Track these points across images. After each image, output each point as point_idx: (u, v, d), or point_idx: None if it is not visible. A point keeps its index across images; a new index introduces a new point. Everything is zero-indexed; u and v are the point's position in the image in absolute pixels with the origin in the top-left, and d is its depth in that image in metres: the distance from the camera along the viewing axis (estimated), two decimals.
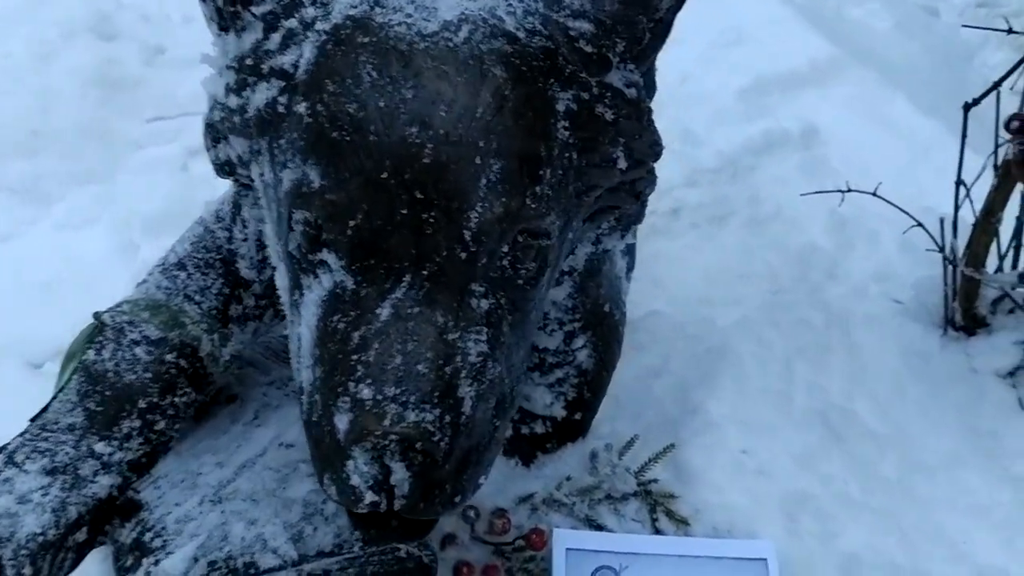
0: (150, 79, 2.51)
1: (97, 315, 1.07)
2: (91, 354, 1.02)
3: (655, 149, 0.93)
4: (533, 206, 0.80)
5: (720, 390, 1.46)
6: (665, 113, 2.76)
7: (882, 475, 1.35)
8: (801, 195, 1.70)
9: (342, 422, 0.76)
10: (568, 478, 1.25)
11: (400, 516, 0.81)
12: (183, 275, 1.09)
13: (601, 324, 1.21)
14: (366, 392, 0.75)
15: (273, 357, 1.20)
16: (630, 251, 1.55)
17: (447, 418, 0.75)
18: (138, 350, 1.02)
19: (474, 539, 1.19)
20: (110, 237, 2.13)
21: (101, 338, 1.03)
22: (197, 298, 1.08)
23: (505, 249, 0.81)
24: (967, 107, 1.43)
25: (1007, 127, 1.24)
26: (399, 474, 0.75)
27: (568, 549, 1.15)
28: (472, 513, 1.18)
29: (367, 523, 0.82)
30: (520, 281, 0.83)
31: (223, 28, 0.90)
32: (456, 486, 0.78)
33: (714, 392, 1.46)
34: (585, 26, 0.84)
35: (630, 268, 1.57)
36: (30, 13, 2.65)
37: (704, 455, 1.33)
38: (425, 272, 0.78)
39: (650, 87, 0.99)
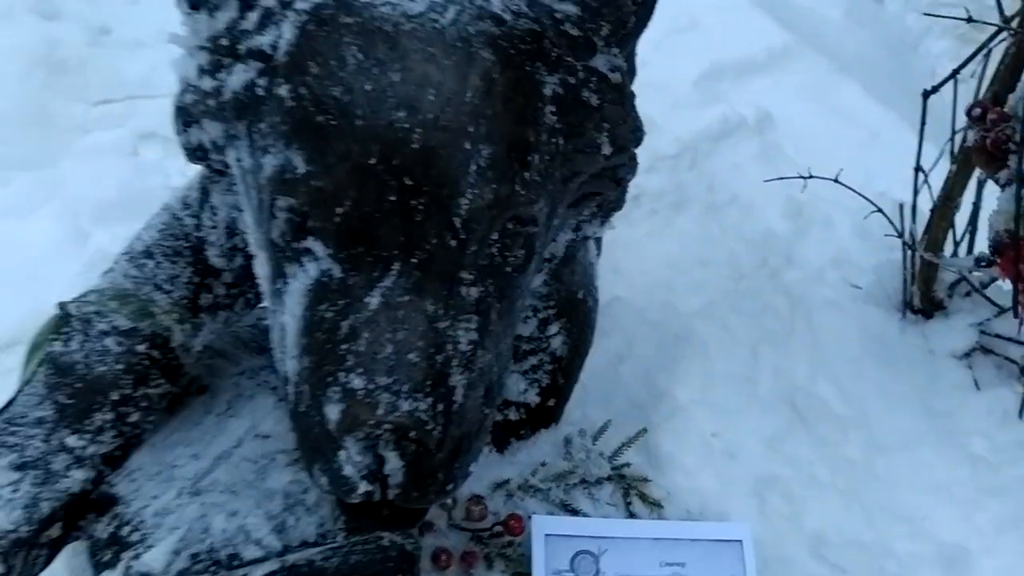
0: (95, 61, 2.43)
1: (62, 305, 1.03)
2: (58, 346, 0.99)
3: (637, 135, 0.93)
4: (523, 193, 0.79)
5: (687, 375, 1.48)
6: None
7: (846, 456, 1.38)
8: (765, 181, 1.72)
9: (333, 412, 0.75)
10: (543, 464, 1.25)
11: (391, 505, 0.80)
12: (151, 264, 1.06)
13: (575, 311, 1.22)
14: (357, 382, 0.74)
15: (242, 347, 1.18)
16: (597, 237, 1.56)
17: (439, 407, 0.75)
18: (108, 341, 0.98)
19: (451, 526, 1.18)
20: (57, 225, 2.06)
21: (67, 329, 1.00)
22: (166, 287, 1.05)
23: (495, 236, 0.80)
24: (926, 95, 1.46)
25: (968, 114, 1.27)
26: (392, 463, 0.74)
27: (547, 535, 1.15)
28: (449, 500, 1.18)
29: (358, 513, 0.82)
30: (508, 269, 0.82)
31: (194, 6, 0.87)
32: (448, 474, 0.78)
33: (681, 377, 1.48)
34: (571, 8, 0.84)
35: (597, 254, 1.57)
36: None
37: (674, 439, 1.35)
38: (415, 260, 0.77)
39: (631, 72, 0.98)
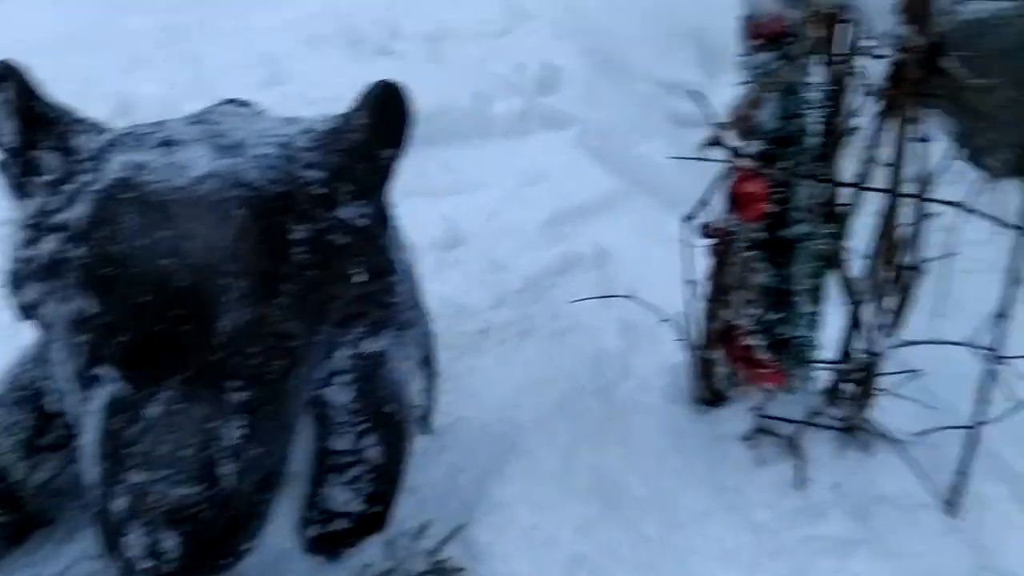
0: None
1: None
2: None
3: (391, 266, 1.16)
4: (277, 313, 1.01)
5: (512, 476, 1.65)
6: (473, 246, 3.02)
7: (646, 534, 1.56)
8: (577, 301, 1.97)
9: (118, 505, 0.92)
10: (367, 565, 1.40)
11: None
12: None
13: (388, 424, 1.41)
14: (138, 477, 0.92)
15: (82, 486, 1.32)
16: (427, 362, 1.76)
17: (209, 492, 0.93)
18: None
19: None
20: None
21: None
22: (12, 431, 1.21)
23: (256, 350, 1.00)
24: (685, 220, 1.75)
25: (704, 233, 1.55)
26: (169, 541, 0.91)
27: None
28: None
29: None
30: (273, 376, 1.02)
31: (19, 196, 1.08)
32: (226, 549, 0.94)
33: (508, 478, 1.65)
34: (316, 175, 1.08)
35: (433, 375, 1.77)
36: None
37: (493, 532, 1.51)
38: (187, 374, 0.97)
39: (382, 216, 1.21)
